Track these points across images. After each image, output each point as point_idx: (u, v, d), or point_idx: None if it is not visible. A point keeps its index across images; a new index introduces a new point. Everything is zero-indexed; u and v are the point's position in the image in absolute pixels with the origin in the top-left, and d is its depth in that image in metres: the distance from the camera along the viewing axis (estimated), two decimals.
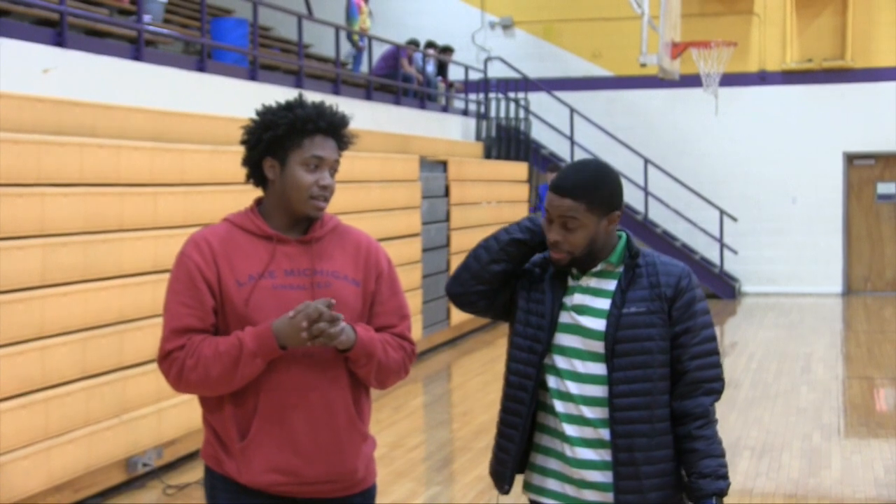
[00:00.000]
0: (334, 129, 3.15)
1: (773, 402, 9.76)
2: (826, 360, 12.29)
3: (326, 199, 3.15)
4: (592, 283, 3.13)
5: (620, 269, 3.13)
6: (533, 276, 3.19)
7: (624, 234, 3.18)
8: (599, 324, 3.08)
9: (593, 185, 3.06)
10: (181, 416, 7.39)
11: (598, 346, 3.08)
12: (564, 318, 3.12)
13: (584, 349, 3.10)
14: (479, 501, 6.83)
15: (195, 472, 7.28)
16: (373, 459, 3.28)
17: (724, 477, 3.09)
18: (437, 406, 10.39)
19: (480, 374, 11.50)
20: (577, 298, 3.13)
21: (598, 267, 3.13)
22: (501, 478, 3.22)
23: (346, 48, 15.23)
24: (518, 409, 3.16)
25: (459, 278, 3.21)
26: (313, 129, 3.11)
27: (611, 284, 3.12)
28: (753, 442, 8.29)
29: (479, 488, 7.10)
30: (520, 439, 3.16)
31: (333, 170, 3.16)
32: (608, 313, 3.08)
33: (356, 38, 15.29)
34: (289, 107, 3.14)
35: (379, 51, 15.63)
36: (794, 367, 11.73)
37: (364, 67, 15.18)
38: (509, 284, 3.21)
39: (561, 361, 3.11)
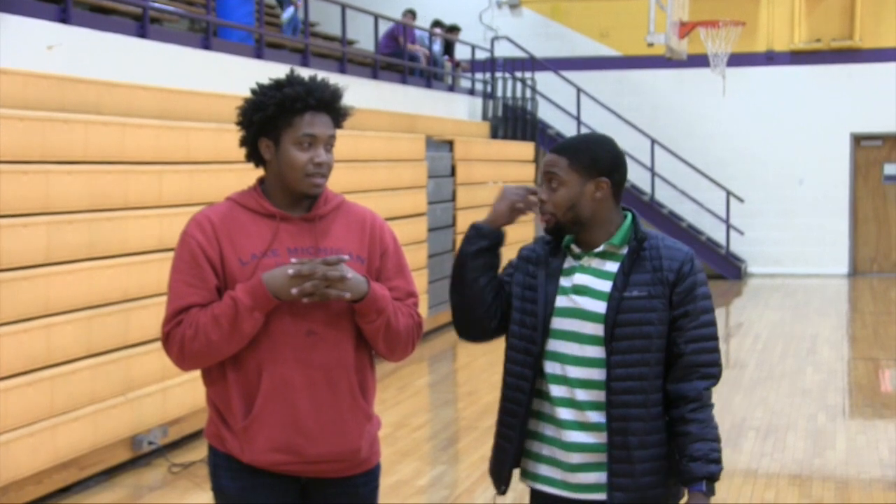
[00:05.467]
0: (326, 104, 3.11)
1: (778, 383, 9.75)
2: (832, 341, 12.28)
3: (324, 176, 3.12)
4: (594, 263, 3.10)
5: (624, 250, 3.09)
6: (526, 275, 3.15)
7: (630, 214, 3.14)
8: (600, 306, 3.05)
9: (579, 145, 3.10)
10: (186, 394, 7.39)
11: (598, 329, 3.04)
12: (563, 301, 3.09)
13: (582, 332, 3.06)
14: (484, 481, 6.83)
15: (200, 451, 7.29)
16: (377, 439, 3.27)
17: (717, 461, 3.03)
18: (443, 386, 10.39)
19: (486, 354, 11.48)
20: (578, 279, 3.09)
21: (601, 247, 3.09)
22: (499, 478, 3.19)
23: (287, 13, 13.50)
24: (515, 410, 3.13)
25: (461, 321, 3.20)
26: (303, 107, 3.06)
27: (613, 266, 3.08)
28: (758, 423, 8.29)
29: (484, 468, 7.05)
30: (517, 438, 3.13)
31: (329, 145, 3.12)
32: (609, 296, 3.04)
33: None
34: (278, 85, 3.09)
35: (383, 29, 15.56)
36: (800, 348, 11.71)
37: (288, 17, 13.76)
38: (502, 293, 3.17)
39: (559, 345, 3.08)
